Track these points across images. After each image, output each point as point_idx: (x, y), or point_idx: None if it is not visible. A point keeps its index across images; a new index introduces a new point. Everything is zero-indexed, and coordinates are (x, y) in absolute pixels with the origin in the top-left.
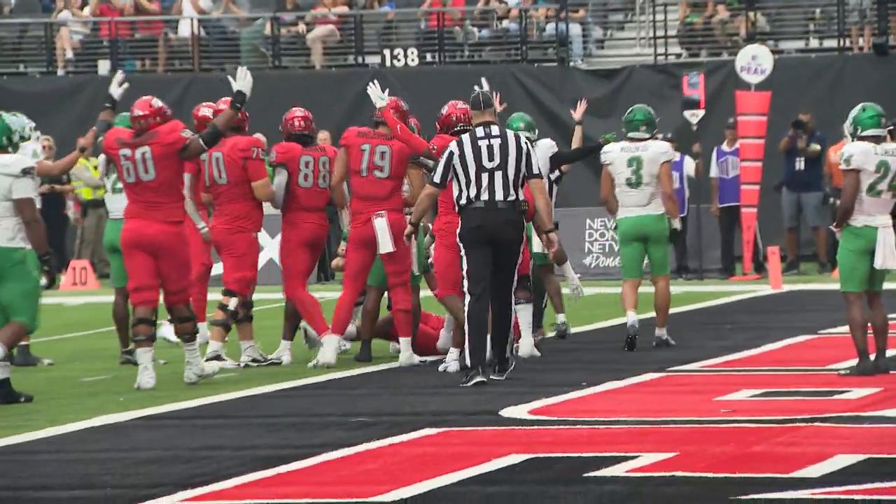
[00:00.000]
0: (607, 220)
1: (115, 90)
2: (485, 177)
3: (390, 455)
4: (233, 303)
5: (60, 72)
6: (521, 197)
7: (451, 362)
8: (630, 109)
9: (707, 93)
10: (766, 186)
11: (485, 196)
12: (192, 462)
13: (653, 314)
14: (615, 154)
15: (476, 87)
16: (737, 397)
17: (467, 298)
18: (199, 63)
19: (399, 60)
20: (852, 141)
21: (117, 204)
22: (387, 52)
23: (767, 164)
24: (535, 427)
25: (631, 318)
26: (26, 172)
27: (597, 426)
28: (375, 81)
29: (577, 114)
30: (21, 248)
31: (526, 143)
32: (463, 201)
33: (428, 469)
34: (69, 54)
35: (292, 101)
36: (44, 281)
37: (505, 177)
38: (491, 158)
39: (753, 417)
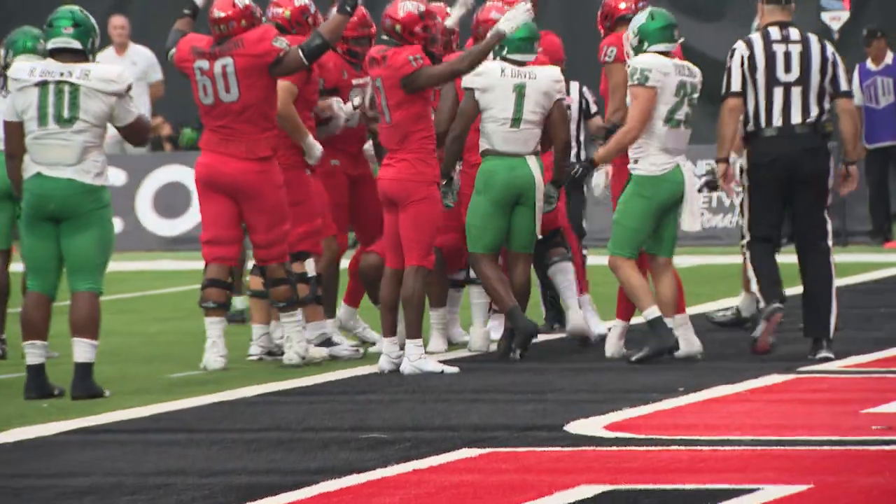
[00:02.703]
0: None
1: None
2: (778, 93)
3: (414, 485)
4: (310, 266)
5: None
6: (825, 116)
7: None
8: None
9: None
10: None
11: (778, 121)
12: (142, 493)
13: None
14: None
15: None
16: (894, 409)
17: (746, 239)
18: None
19: None
20: None
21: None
22: None
23: None
24: (614, 448)
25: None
26: (129, 90)
27: (699, 447)
28: None
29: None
30: (107, 189)
31: (832, 51)
32: (750, 126)
33: None
34: None
35: None
36: None
37: (805, 94)
38: (788, 69)
39: None
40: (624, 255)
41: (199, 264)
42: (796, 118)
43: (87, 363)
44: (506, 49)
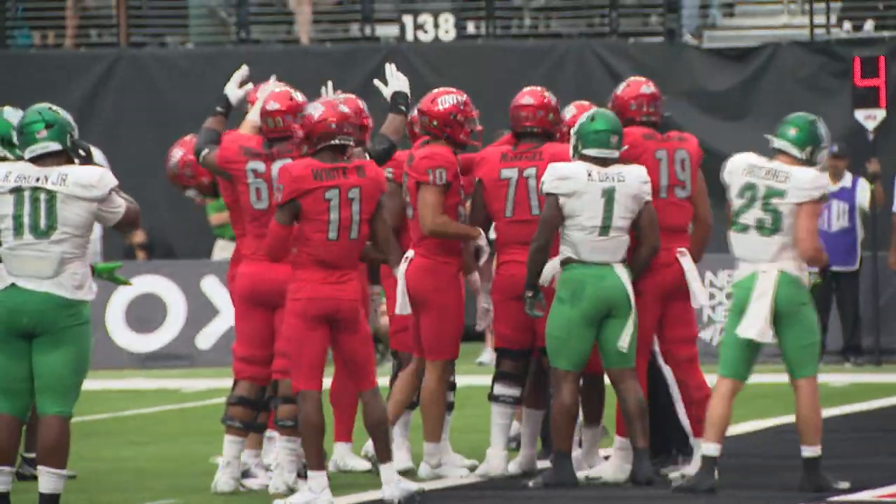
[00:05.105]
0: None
1: (234, 91)
2: None
3: None
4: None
5: None
6: None
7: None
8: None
9: (890, 84)
10: None
11: None
12: None
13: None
14: None
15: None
16: None
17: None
18: (128, 35)
19: (426, 33)
20: None
21: None
22: (408, 19)
23: None
24: None
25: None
26: (112, 191)
27: None
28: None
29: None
30: (87, 304)
31: None
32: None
33: None
34: None
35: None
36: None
37: None
38: None
39: None
40: (721, 375)
41: (174, 383)
42: None
43: (54, 494)
44: (582, 143)
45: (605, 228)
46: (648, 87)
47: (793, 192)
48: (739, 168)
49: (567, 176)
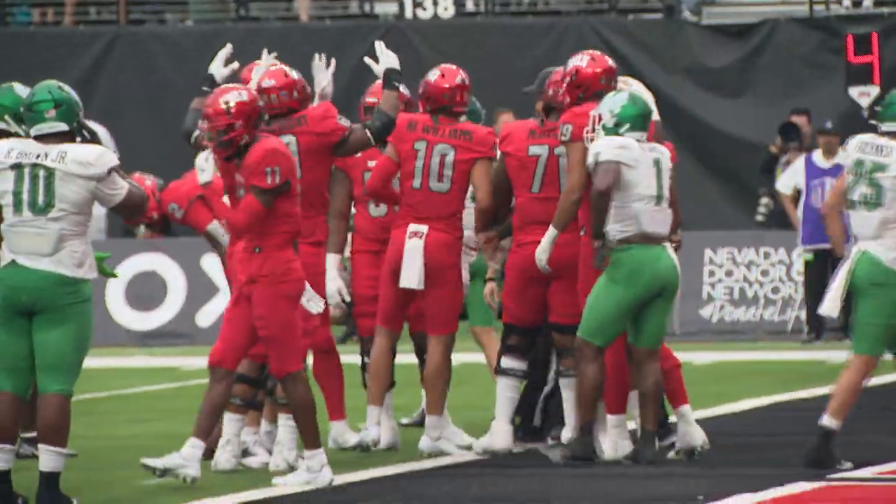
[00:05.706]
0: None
1: (219, 70)
2: None
3: None
4: None
5: None
6: None
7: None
8: None
9: (885, 61)
10: None
11: None
12: None
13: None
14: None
15: None
16: None
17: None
18: (127, 12)
19: (425, 10)
20: None
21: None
22: None
23: None
24: None
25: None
26: (112, 171)
27: None
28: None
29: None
30: (88, 282)
31: None
32: None
33: None
34: None
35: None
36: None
37: None
38: None
39: None
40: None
41: (174, 361)
42: None
43: (54, 472)
44: (627, 126)
45: (658, 198)
46: (611, 61)
47: (894, 165)
48: (854, 146)
49: (625, 146)
